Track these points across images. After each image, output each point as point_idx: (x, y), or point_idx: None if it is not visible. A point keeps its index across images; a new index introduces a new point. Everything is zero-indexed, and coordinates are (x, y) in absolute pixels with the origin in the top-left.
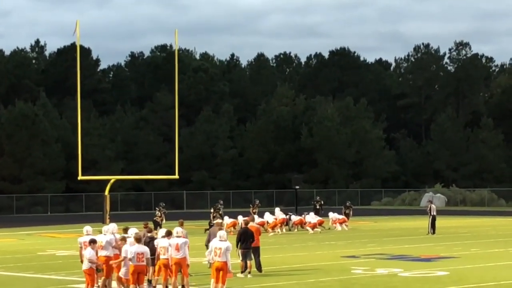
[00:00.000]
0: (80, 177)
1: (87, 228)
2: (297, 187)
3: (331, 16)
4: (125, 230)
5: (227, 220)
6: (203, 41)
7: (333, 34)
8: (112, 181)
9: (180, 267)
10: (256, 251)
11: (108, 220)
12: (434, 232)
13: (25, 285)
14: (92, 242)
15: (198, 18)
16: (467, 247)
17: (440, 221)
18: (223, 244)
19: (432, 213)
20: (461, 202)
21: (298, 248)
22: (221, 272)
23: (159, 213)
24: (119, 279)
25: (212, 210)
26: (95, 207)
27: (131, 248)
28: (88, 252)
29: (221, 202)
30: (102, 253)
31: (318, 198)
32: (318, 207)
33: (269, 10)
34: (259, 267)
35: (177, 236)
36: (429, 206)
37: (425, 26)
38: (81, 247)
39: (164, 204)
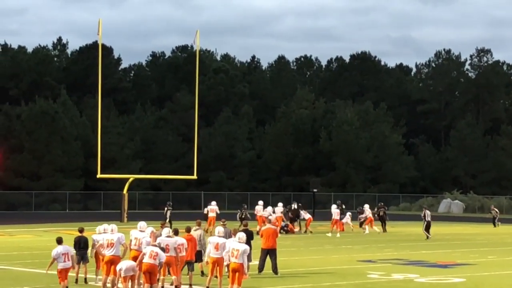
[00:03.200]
0: (99, 175)
1: (105, 226)
2: (315, 190)
3: (343, 20)
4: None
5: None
6: (214, 42)
7: (345, 38)
8: (130, 180)
9: (218, 266)
10: (273, 253)
11: (126, 219)
12: (428, 237)
13: (41, 281)
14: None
15: (211, 20)
16: (484, 254)
17: (458, 228)
18: (240, 246)
19: (426, 219)
20: (479, 209)
21: (315, 251)
22: (237, 274)
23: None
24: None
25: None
26: (113, 206)
27: (145, 249)
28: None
29: (245, 206)
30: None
31: (381, 204)
32: (381, 213)
33: (282, 13)
34: (275, 269)
35: (218, 236)
36: (424, 212)
37: (437, 32)
38: (94, 244)
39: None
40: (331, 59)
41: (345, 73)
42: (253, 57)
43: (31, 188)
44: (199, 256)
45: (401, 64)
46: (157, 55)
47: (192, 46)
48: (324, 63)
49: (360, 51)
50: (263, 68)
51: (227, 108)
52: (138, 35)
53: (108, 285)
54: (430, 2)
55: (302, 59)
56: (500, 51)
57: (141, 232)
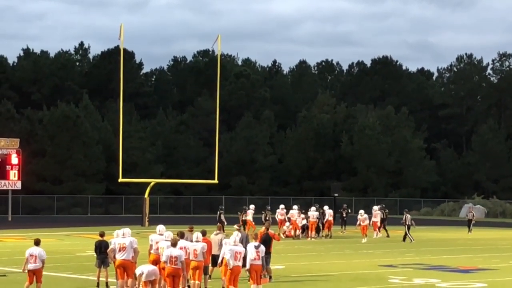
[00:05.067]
0: (120, 180)
1: (124, 230)
2: (336, 194)
3: (361, 25)
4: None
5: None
6: (234, 47)
7: (364, 43)
8: (152, 184)
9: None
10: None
11: (147, 223)
12: (404, 240)
13: (63, 285)
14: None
15: (230, 25)
16: (505, 259)
17: (479, 233)
18: (241, 248)
19: (407, 223)
20: (501, 214)
21: (336, 256)
22: (236, 277)
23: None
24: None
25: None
26: (134, 210)
27: (165, 251)
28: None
29: (269, 207)
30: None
31: (382, 205)
32: (383, 216)
33: (301, 18)
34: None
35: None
36: (404, 216)
37: (455, 37)
38: (113, 248)
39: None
40: (352, 63)
41: (366, 78)
42: (274, 61)
43: (53, 192)
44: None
45: (422, 68)
46: (179, 59)
47: (213, 51)
48: (345, 67)
49: (382, 56)
50: (284, 72)
51: (248, 113)
52: (159, 40)
53: None
54: (448, 8)
55: (323, 63)
56: None
57: (160, 236)
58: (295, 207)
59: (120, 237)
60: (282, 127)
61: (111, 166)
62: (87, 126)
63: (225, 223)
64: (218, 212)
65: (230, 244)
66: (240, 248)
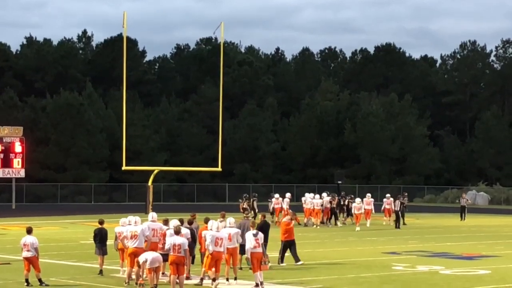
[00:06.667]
0: (124, 167)
1: (130, 218)
2: (340, 182)
3: (362, 12)
4: (166, 222)
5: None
6: (236, 35)
7: (365, 31)
8: (155, 172)
9: (232, 257)
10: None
11: (150, 211)
12: (398, 227)
13: (67, 273)
14: None
15: (231, 12)
16: (509, 246)
17: (483, 220)
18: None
19: (396, 209)
20: (505, 201)
21: (339, 243)
22: (217, 262)
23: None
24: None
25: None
26: (138, 198)
27: (168, 239)
28: None
29: (255, 194)
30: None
31: (350, 197)
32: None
33: (301, 6)
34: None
35: (230, 227)
36: (398, 203)
37: (456, 24)
38: (117, 236)
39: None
40: (356, 50)
41: (369, 65)
42: (277, 49)
43: (56, 180)
44: None
45: (425, 55)
46: (182, 47)
47: (216, 39)
48: (348, 54)
49: (385, 43)
50: (288, 60)
51: (251, 100)
52: (161, 27)
53: (133, 276)
54: None
55: (326, 51)
56: None
57: (154, 223)
58: (307, 194)
59: (132, 225)
60: (286, 115)
61: (115, 154)
62: (90, 114)
63: (257, 210)
64: (252, 199)
65: (212, 230)
66: (222, 234)
